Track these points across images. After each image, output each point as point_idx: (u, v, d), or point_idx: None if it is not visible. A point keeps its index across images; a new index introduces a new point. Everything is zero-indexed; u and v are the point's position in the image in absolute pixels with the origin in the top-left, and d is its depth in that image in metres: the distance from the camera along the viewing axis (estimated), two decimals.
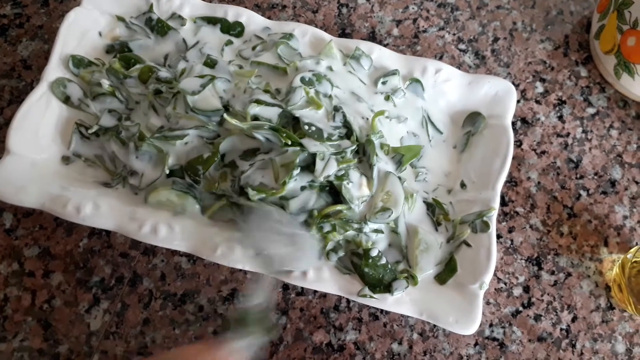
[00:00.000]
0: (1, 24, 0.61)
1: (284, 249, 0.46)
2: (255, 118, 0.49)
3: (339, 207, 0.48)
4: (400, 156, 0.52)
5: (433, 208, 0.52)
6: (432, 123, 0.55)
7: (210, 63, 0.53)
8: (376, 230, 0.50)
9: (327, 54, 0.55)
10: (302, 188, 0.48)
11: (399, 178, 0.51)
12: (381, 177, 0.50)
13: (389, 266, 0.49)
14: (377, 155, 0.50)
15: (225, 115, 0.49)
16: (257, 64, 0.55)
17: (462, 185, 0.53)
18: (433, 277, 0.50)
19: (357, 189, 0.49)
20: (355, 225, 0.49)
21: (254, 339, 0.40)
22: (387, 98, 0.55)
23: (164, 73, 0.53)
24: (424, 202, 0.52)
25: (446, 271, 0.50)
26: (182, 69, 0.53)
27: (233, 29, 0.57)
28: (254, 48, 0.56)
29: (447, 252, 0.51)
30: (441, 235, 0.51)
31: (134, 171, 0.51)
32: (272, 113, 0.50)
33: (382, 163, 0.51)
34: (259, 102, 0.50)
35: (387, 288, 0.48)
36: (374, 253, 0.48)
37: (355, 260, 0.49)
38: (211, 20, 0.57)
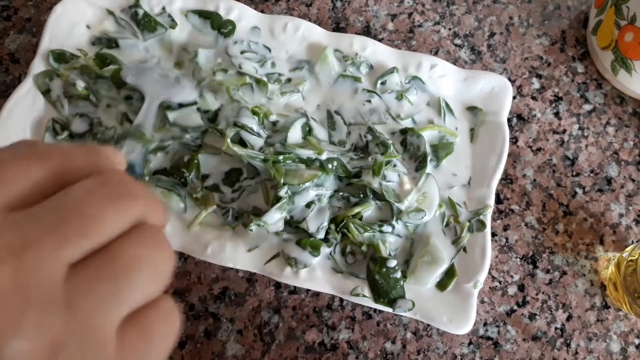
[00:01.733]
0: None
1: (165, 80, 0.50)
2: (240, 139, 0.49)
3: (357, 209, 0.48)
4: (436, 154, 0.52)
5: (446, 221, 0.51)
6: (451, 112, 0.55)
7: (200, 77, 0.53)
8: (396, 234, 0.49)
9: (323, 62, 0.54)
10: (309, 204, 0.48)
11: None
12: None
13: (401, 283, 0.48)
14: (427, 152, 0.51)
15: (204, 141, 0.50)
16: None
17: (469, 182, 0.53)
18: (434, 285, 0.49)
19: (398, 186, 0.49)
20: (377, 227, 0.48)
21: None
22: (400, 97, 0.54)
23: None
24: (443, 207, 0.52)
25: (446, 278, 0.49)
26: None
27: (224, 27, 0.56)
28: (242, 52, 0.55)
29: (449, 259, 0.50)
30: (449, 244, 0.50)
31: None
32: (258, 142, 0.49)
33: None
34: (243, 127, 0.49)
35: (391, 303, 0.47)
36: (391, 264, 0.47)
37: (370, 265, 0.48)
38: (202, 14, 0.56)
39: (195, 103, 0.50)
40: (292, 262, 0.47)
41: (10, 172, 0.21)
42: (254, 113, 0.50)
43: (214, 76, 0.52)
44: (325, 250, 0.48)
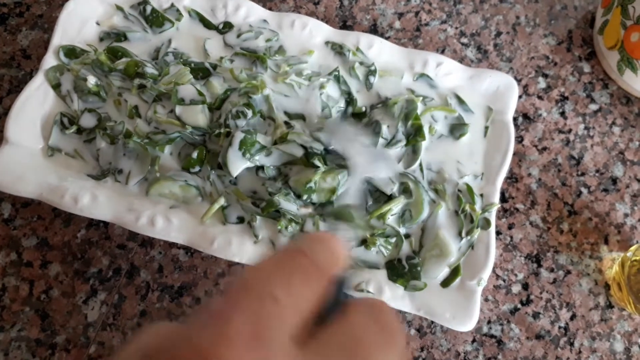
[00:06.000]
0: (1, 12, 0.60)
1: (365, 157, 0.50)
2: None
3: (388, 206, 0.50)
4: (452, 132, 0.54)
5: (462, 207, 0.51)
6: (466, 106, 0.55)
7: (204, 68, 0.54)
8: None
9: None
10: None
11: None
12: None
13: (418, 268, 0.49)
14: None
15: (207, 145, 0.51)
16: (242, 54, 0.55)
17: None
18: (439, 283, 0.49)
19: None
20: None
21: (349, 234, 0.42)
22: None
23: (150, 69, 0.53)
24: (457, 195, 0.52)
25: (450, 275, 0.49)
26: (166, 69, 0.53)
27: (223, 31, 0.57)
28: (238, 36, 0.56)
29: (458, 257, 0.50)
30: (457, 239, 0.51)
31: (120, 169, 0.50)
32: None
33: None
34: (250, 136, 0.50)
35: (405, 282, 0.49)
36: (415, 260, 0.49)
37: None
38: (202, 19, 0.57)
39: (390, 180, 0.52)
40: None
41: (301, 293, 0.22)
42: (247, 92, 0.51)
43: (220, 63, 0.54)
44: None
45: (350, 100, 0.54)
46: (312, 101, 0.52)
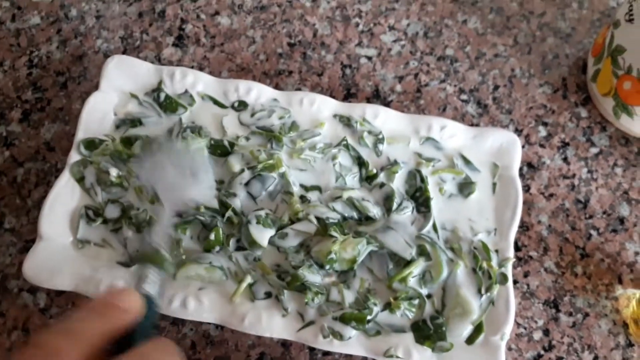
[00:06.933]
0: (24, 108, 0.64)
1: (179, 178, 0.50)
2: None
3: (409, 269, 0.52)
4: (460, 192, 0.57)
5: (479, 265, 0.53)
6: (472, 165, 0.58)
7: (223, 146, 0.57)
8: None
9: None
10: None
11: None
12: None
13: (443, 328, 0.50)
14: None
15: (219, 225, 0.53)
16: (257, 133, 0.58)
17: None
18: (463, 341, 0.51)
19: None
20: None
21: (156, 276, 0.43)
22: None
23: None
24: (472, 255, 0.54)
25: (474, 332, 0.51)
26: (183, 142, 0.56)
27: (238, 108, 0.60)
28: (252, 115, 0.59)
29: (480, 314, 0.51)
30: (478, 296, 0.52)
31: None
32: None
33: None
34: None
35: (432, 344, 0.50)
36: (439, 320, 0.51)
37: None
38: (216, 102, 0.60)
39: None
40: (337, 336, 0.49)
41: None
42: (265, 168, 0.54)
43: (237, 142, 0.57)
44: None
45: (362, 163, 0.57)
46: (327, 173, 0.55)
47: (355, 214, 0.54)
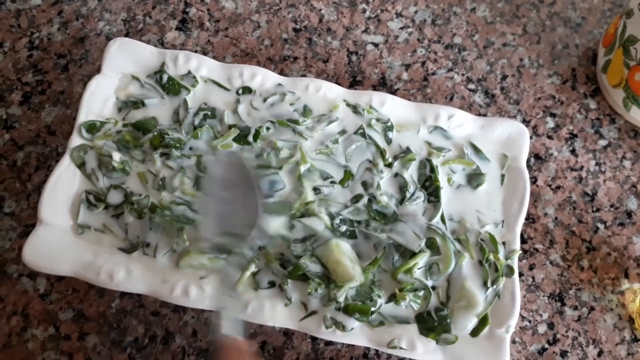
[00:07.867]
0: (24, 91, 0.63)
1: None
2: None
3: (414, 260, 0.51)
4: (469, 183, 0.56)
5: (486, 257, 0.52)
6: (482, 154, 0.57)
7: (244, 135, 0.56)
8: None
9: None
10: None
11: None
12: None
13: (448, 320, 0.50)
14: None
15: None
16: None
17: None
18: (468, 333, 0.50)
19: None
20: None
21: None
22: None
23: (173, 134, 0.55)
24: (479, 247, 0.53)
25: (479, 325, 0.50)
26: (194, 132, 0.56)
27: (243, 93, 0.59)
28: (265, 100, 0.58)
29: (485, 306, 0.51)
30: (483, 289, 0.52)
31: (147, 242, 0.52)
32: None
33: None
34: None
35: (436, 336, 0.50)
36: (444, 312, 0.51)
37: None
38: (220, 86, 0.59)
39: None
40: (339, 327, 0.49)
41: None
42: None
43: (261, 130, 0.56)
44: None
45: (380, 151, 0.56)
46: (349, 163, 0.56)
47: (365, 217, 0.54)
